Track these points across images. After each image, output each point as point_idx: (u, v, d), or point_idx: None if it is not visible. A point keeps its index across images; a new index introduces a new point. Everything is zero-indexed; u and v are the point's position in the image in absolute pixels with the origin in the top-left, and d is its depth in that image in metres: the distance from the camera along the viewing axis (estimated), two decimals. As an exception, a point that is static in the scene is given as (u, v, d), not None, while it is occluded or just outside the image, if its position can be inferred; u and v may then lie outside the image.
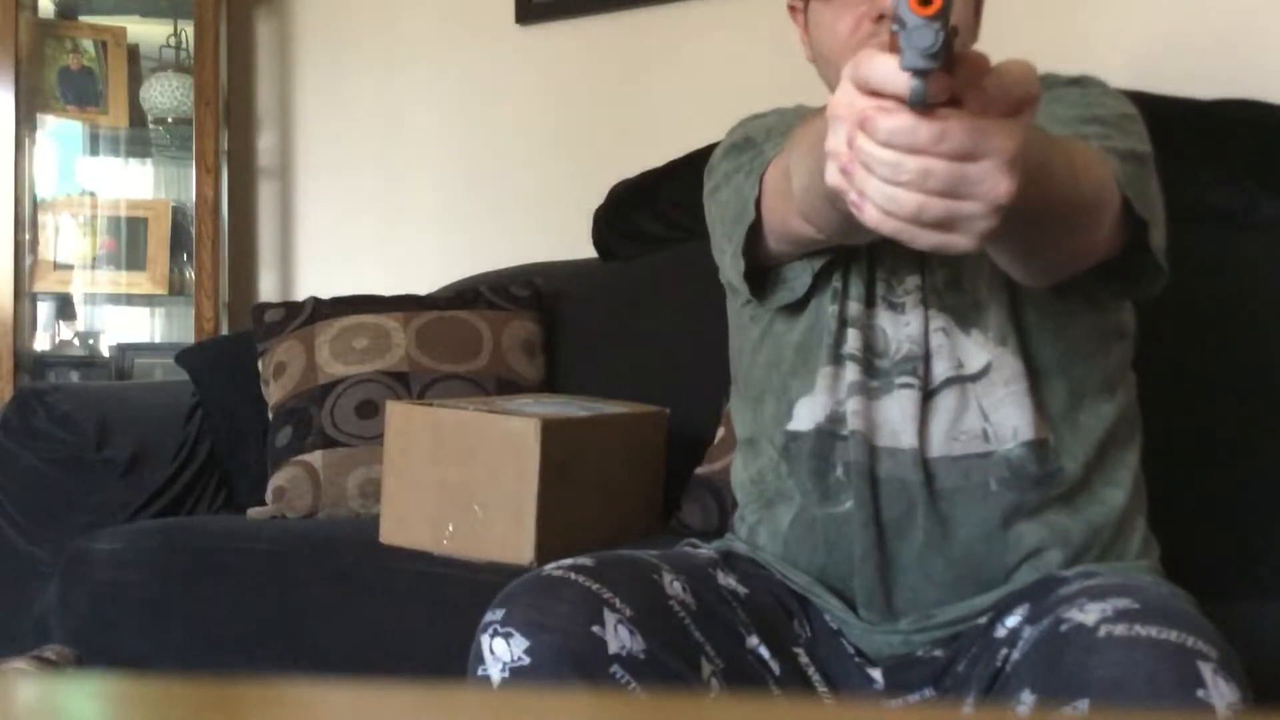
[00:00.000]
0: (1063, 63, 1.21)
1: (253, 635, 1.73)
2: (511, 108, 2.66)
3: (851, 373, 1.15)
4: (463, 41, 2.72)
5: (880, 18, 1.09)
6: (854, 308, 1.16)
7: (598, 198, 2.27)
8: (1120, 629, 0.89)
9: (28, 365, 2.80)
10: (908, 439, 1.12)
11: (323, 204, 2.98)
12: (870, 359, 1.15)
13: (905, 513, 1.12)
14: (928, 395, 1.13)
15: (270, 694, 0.48)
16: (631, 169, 2.24)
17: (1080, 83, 1.19)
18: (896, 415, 1.13)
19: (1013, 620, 1.04)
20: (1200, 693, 0.86)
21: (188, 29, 2.89)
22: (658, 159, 2.20)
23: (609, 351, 2.12)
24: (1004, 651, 1.00)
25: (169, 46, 2.98)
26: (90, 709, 0.50)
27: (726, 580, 1.15)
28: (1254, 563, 1.47)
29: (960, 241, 0.77)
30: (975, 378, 1.13)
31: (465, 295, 2.20)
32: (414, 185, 2.81)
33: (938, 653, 1.11)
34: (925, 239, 0.77)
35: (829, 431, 1.16)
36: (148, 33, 3.01)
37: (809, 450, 1.16)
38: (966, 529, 1.11)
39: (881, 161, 0.74)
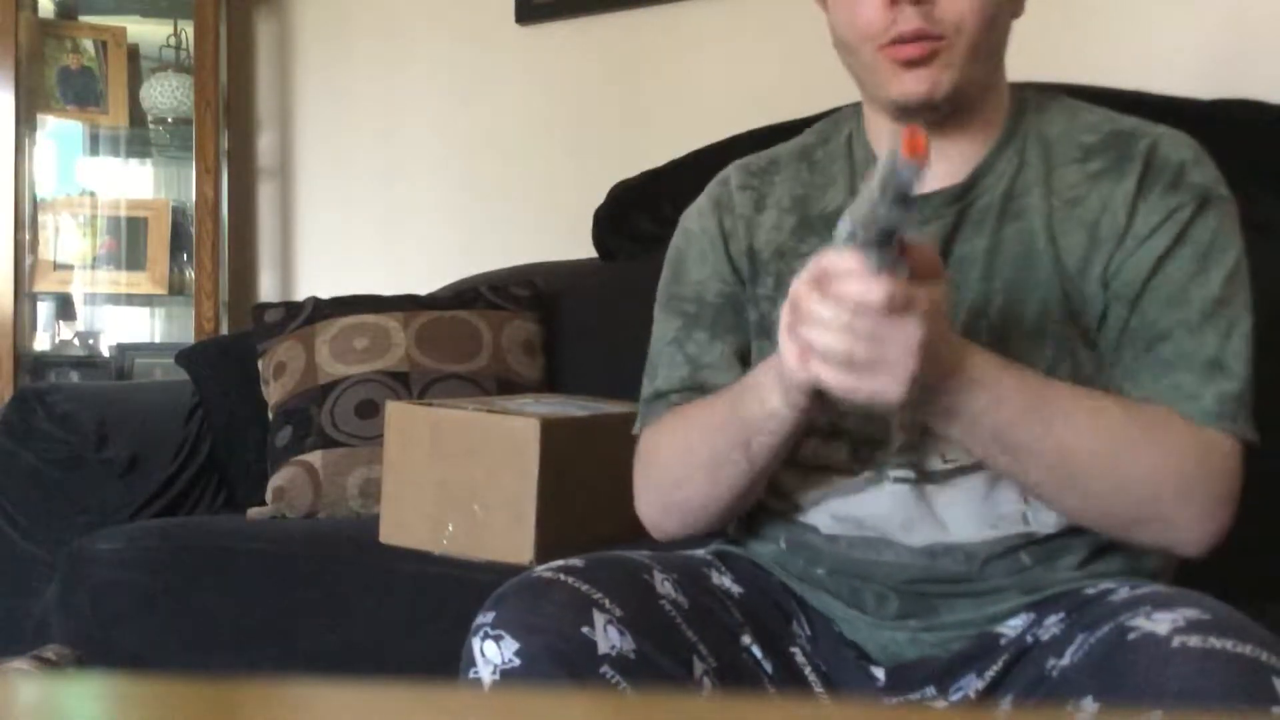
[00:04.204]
0: (1064, 66, 1.21)
1: (252, 635, 1.73)
2: (511, 108, 2.66)
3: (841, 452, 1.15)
4: (463, 41, 2.72)
5: (894, 2, 1.05)
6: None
7: (598, 198, 2.27)
8: (1194, 640, 0.87)
9: (28, 365, 2.80)
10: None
11: (323, 204, 2.98)
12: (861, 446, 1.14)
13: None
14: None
15: (270, 694, 0.48)
16: (631, 169, 2.24)
17: (1203, 207, 1.08)
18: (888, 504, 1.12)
19: (1052, 625, 1.03)
20: (1276, 709, 0.85)
21: (188, 29, 2.90)
22: (658, 159, 2.20)
23: (609, 351, 2.11)
24: (1050, 659, 0.98)
25: (169, 46, 2.98)
26: (90, 709, 0.50)
27: (720, 580, 1.14)
28: (1258, 565, 1.46)
29: (889, 387, 0.91)
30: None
31: (465, 295, 2.20)
32: (414, 185, 2.81)
33: (942, 653, 1.09)
34: (863, 386, 0.92)
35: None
36: (148, 33, 3.01)
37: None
38: (986, 577, 1.10)
39: (821, 317, 0.91)
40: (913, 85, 1.07)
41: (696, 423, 1.14)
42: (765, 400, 1.05)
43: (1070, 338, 1.08)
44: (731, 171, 1.25)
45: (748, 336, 1.20)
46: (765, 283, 1.18)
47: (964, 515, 1.09)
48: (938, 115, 1.10)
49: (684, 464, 1.15)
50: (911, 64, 1.07)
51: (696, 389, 1.18)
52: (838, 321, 0.90)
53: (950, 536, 1.08)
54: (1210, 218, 1.08)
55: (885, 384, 0.91)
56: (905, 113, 1.10)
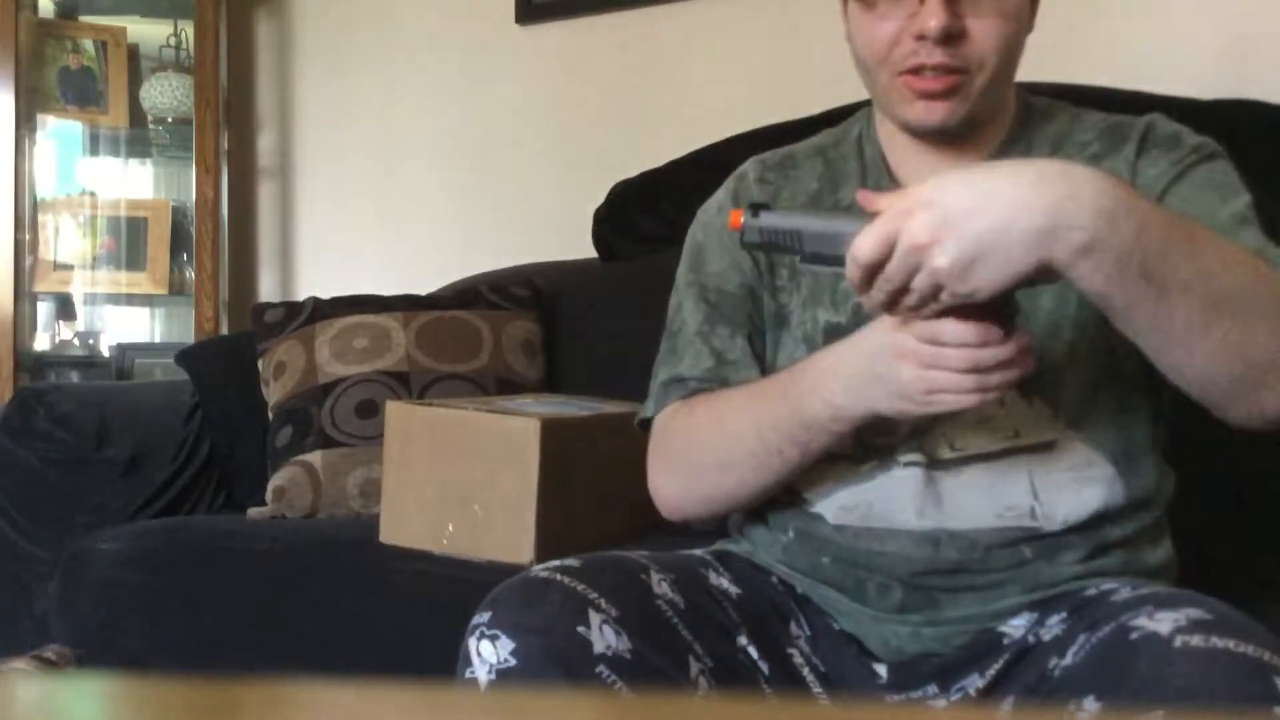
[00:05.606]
0: (1063, 67, 1.21)
1: (253, 635, 1.73)
2: (511, 108, 2.66)
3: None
4: (463, 42, 2.72)
5: (920, 37, 1.06)
6: None
7: (598, 198, 2.27)
8: (1197, 640, 0.88)
9: (28, 365, 2.81)
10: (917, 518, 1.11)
11: (323, 204, 2.98)
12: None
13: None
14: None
15: (270, 694, 0.48)
16: (632, 169, 2.24)
17: (1207, 158, 1.11)
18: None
19: (1054, 625, 1.03)
20: (1278, 709, 0.85)
21: (188, 29, 2.90)
22: (658, 159, 2.20)
23: (609, 351, 2.11)
24: (1052, 659, 0.98)
25: (169, 46, 2.98)
26: (90, 709, 0.50)
27: (719, 580, 1.15)
28: (1258, 565, 1.47)
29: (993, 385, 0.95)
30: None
31: (465, 295, 2.20)
32: (414, 185, 2.81)
33: (944, 650, 1.10)
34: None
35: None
36: (148, 33, 3.01)
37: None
38: (990, 573, 1.10)
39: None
40: (927, 115, 1.10)
41: (746, 414, 1.13)
42: (830, 401, 1.05)
43: (1086, 324, 1.09)
44: (749, 166, 1.27)
45: (762, 328, 1.21)
46: (780, 274, 1.21)
47: (971, 504, 1.09)
48: (948, 135, 1.13)
49: (726, 451, 1.14)
50: (929, 95, 1.08)
51: (719, 382, 1.20)
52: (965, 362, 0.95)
53: (954, 523, 1.09)
54: (1216, 165, 1.11)
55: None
56: (917, 134, 1.14)
